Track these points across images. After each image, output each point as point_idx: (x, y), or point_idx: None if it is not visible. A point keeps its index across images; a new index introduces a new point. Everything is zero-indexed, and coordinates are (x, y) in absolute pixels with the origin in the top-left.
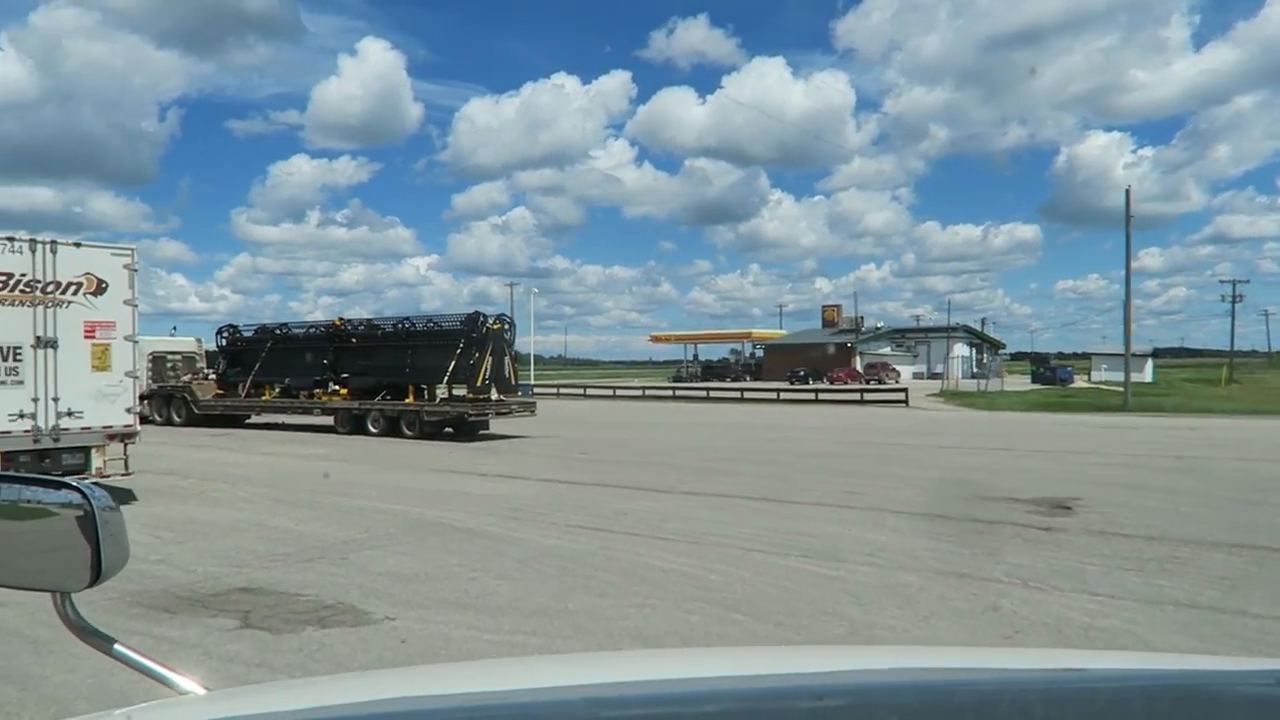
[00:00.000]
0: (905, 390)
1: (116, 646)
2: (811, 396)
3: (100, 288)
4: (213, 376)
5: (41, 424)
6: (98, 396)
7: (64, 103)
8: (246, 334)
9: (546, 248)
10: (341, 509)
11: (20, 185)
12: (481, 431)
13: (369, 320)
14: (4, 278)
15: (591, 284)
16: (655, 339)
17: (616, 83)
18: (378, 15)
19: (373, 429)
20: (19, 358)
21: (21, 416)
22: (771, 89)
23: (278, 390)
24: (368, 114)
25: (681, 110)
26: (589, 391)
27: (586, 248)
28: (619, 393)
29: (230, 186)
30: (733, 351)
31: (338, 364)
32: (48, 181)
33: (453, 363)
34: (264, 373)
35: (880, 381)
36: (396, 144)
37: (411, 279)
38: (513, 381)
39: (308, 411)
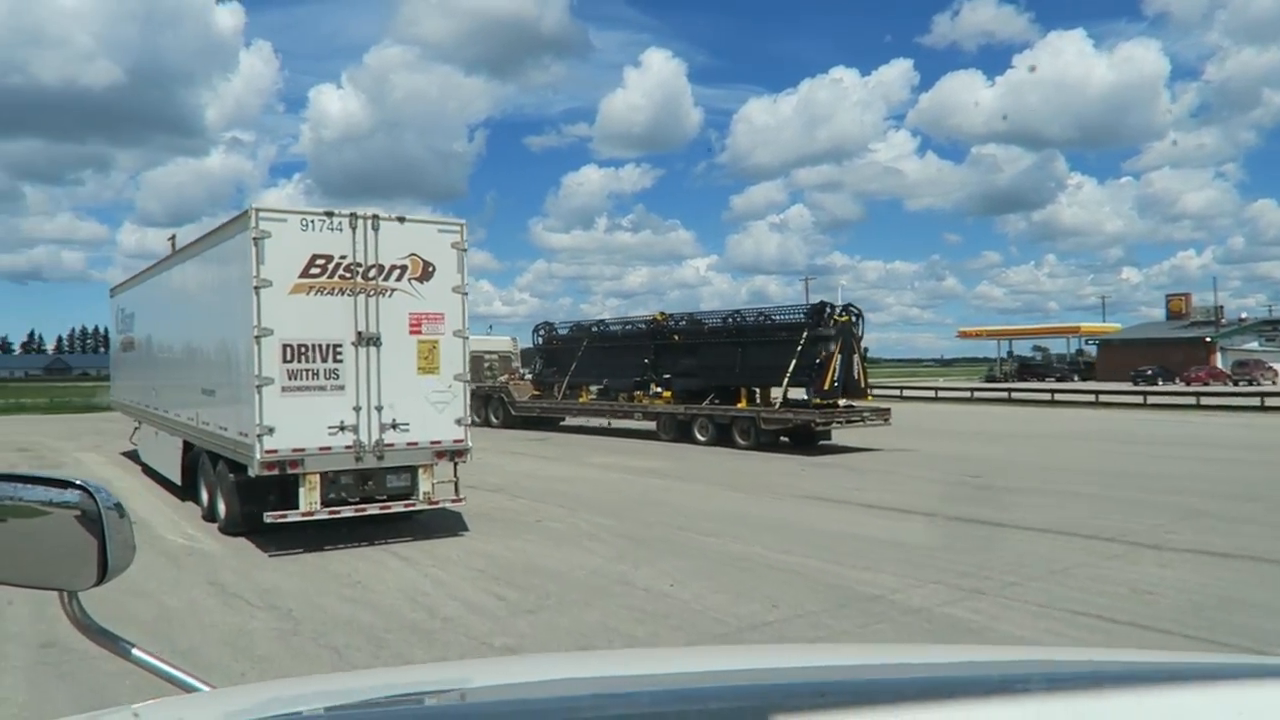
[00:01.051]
0: None
1: (127, 647)
2: (1192, 401)
3: (427, 272)
4: (528, 376)
5: (364, 439)
6: (425, 405)
7: (390, 130)
8: (562, 332)
9: (824, 244)
10: (716, 558)
11: (358, 206)
12: (822, 442)
13: (691, 315)
14: (322, 261)
15: (871, 280)
16: (963, 334)
17: (897, 72)
18: (659, 26)
19: (700, 436)
20: (339, 358)
21: (343, 429)
22: (1070, 65)
23: (595, 392)
24: (651, 122)
25: (968, 95)
26: (905, 393)
27: (866, 243)
28: (940, 394)
29: (528, 197)
30: (1035, 348)
31: (659, 364)
32: (378, 200)
33: (793, 361)
34: (581, 372)
35: (1252, 382)
36: (677, 149)
37: (691, 280)
38: (862, 384)
39: (628, 415)
